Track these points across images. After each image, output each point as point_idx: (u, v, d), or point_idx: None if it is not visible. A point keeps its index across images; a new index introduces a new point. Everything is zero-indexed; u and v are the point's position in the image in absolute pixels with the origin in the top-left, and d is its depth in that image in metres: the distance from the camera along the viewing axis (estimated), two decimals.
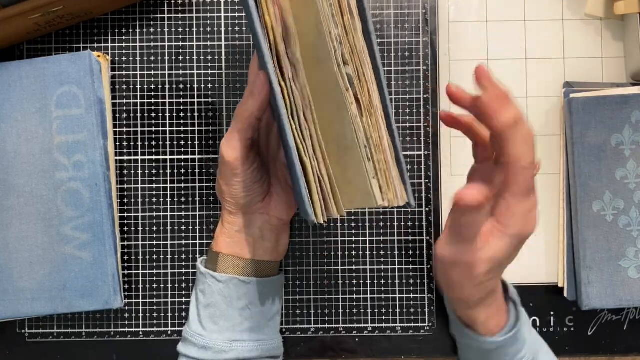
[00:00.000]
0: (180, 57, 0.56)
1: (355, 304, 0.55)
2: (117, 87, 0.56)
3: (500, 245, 0.39)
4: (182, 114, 0.56)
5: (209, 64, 0.56)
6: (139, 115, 0.56)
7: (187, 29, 0.56)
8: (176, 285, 0.55)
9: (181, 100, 0.56)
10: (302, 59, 0.39)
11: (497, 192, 0.39)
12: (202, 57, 0.56)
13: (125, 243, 0.55)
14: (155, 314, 0.55)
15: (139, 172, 0.55)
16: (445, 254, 0.40)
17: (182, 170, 0.55)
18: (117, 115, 0.55)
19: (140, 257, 0.55)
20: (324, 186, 0.39)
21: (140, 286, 0.55)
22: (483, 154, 0.44)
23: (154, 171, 0.55)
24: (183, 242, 0.55)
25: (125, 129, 0.55)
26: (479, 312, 0.44)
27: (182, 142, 0.55)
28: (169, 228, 0.55)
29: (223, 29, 0.56)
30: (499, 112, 0.37)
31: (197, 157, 0.55)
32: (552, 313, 0.55)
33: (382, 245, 0.55)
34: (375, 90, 0.41)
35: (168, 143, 0.56)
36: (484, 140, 0.43)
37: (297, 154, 0.39)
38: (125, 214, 0.55)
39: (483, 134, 0.43)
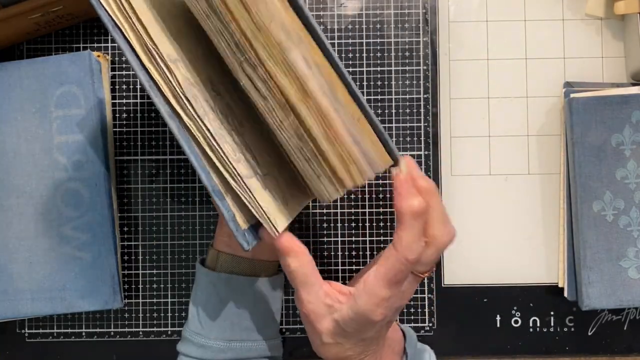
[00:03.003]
0: None
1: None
2: (117, 87, 0.55)
3: (344, 313, 0.39)
4: None
5: None
6: (139, 115, 0.56)
7: None
8: (176, 285, 0.55)
9: None
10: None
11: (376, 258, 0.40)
12: None
13: (125, 243, 0.55)
14: (155, 314, 0.55)
15: (139, 172, 0.55)
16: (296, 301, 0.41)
17: (182, 170, 0.55)
18: (117, 115, 0.55)
19: (140, 257, 0.55)
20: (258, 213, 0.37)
21: (140, 286, 0.55)
22: None
23: (154, 171, 0.55)
24: (183, 242, 0.55)
25: (125, 129, 0.55)
26: None
27: None
28: (169, 228, 0.55)
29: None
30: (405, 196, 0.37)
31: None
32: (552, 313, 0.55)
33: (382, 245, 0.55)
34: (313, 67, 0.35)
35: (168, 143, 0.55)
36: None
37: (219, 193, 0.37)
38: (125, 214, 0.55)
39: None
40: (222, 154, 0.36)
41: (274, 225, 0.38)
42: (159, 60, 0.35)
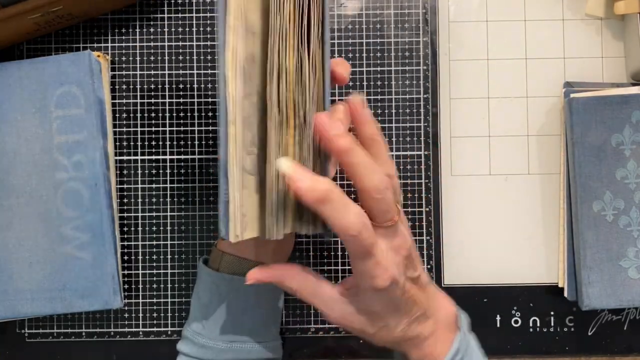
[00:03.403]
0: (180, 57, 0.56)
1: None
2: (117, 87, 0.55)
3: (359, 299, 0.39)
4: (182, 114, 0.55)
5: (209, 64, 0.56)
6: (139, 115, 0.56)
7: (187, 29, 0.56)
8: (176, 285, 0.55)
9: (181, 100, 0.56)
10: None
11: None
12: (202, 57, 0.56)
13: (125, 243, 0.55)
14: (155, 314, 0.55)
15: (139, 172, 0.55)
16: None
17: (182, 170, 0.55)
18: (117, 115, 0.55)
19: (140, 257, 0.55)
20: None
21: (140, 286, 0.55)
22: None
23: (154, 171, 0.55)
24: (183, 242, 0.55)
25: (125, 129, 0.55)
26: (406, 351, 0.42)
27: (182, 142, 0.55)
28: (168, 228, 0.55)
29: None
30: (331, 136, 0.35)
31: (197, 157, 0.55)
32: (552, 313, 0.55)
33: None
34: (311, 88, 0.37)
35: (168, 143, 0.55)
36: None
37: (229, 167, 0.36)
38: (125, 214, 0.55)
39: None
40: (241, 137, 0.36)
41: (233, 230, 0.36)
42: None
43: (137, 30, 0.56)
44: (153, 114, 0.56)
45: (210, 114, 0.55)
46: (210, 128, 0.55)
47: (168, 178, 0.55)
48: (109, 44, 0.56)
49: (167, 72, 0.56)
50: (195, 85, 0.55)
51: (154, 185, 0.55)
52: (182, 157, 0.55)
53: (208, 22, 0.55)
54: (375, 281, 0.37)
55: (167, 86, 0.55)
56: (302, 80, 0.37)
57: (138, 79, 0.55)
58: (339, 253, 0.55)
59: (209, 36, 0.56)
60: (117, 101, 0.55)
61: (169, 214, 0.55)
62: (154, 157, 0.55)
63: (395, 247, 0.38)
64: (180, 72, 0.56)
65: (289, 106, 0.37)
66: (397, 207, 0.38)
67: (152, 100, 0.55)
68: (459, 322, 0.43)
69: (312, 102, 0.37)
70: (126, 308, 0.55)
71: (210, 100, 0.56)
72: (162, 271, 0.55)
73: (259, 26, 0.37)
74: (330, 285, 0.40)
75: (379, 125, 0.41)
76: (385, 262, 0.37)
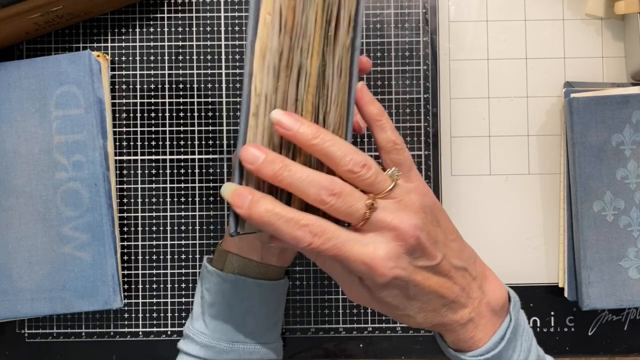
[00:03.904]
0: (180, 57, 0.55)
1: (355, 304, 0.55)
2: (116, 87, 0.55)
3: (373, 292, 0.37)
4: (182, 114, 0.55)
5: (209, 64, 0.55)
6: (138, 115, 0.55)
7: (187, 29, 0.56)
8: (176, 285, 0.55)
9: (181, 100, 0.55)
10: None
11: None
12: (202, 57, 0.55)
13: (125, 243, 0.55)
14: (155, 314, 0.55)
15: (139, 172, 0.55)
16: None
17: (182, 170, 0.55)
18: (117, 115, 0.55)
19: (140, 257, 0.55)
20: None
21: (140, 286, 0.55)
22: None
23: (153, 171, 0.55)
24: (183, 242, 0.55)
25: (125, 129, 0.55)
26: (444, 334, 0.40)
27: (182, 142, 0.55)
28: (168, 228, 0.55)
29: (223, 29, 0.55)
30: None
31: (197, 157, 0.55)
32: (552, 313, 0.55)
33: None
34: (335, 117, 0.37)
35: (168, 143, 0.55)
36: None
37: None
38: (125, 214, 0.55)
39: None
40: (261, 131, 0.36)
41: (241, 224, 0.36)
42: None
43: (137, 30, 0.56)
44: (153, 114, 0.55)
45: (210, 114, 0.55)
46: (210, 128, 0.55)
47: (168, 178, 0.55)
48: (109, 44, 0.56)
49: (167, 72, 0.55)
50: (195, 85, 0.55)
51: (154, 185, 0.55)
52: (182, 157, 0.55)
53: (208, 22, 0.55)
54: (372, 279, 0.35)
55: (167, 86, 0.55)
56: (324, 84, 0.36)
57: (138, 79, 0.55)
58: None
59: (209, 36, 0.55)
60: (117, 101, 0.55)
61: (169, 214, 0.55)
62: (154, 157, 0.55)
63: (388, 239, 0.35)
64: (180, 72, 0.55)
65: (305, 108, 0.36)
66: (366, 203, 0.35)
67: (152, 100, 0.55)
68: (510, 306, 0.41)
69: (334, 105, 0.37)
70: (126, 308, 0.55)
71: (210, 100, 0.56)
72: (162, 271, 0.55)
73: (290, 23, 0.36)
74: (349, 270, 0.38)
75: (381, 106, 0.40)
76: (372, 259, 0.34)
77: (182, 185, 0.55)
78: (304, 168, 0.34)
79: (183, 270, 0.55)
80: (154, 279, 0.55)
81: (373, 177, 0.35)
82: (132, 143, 0.55)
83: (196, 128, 0.55)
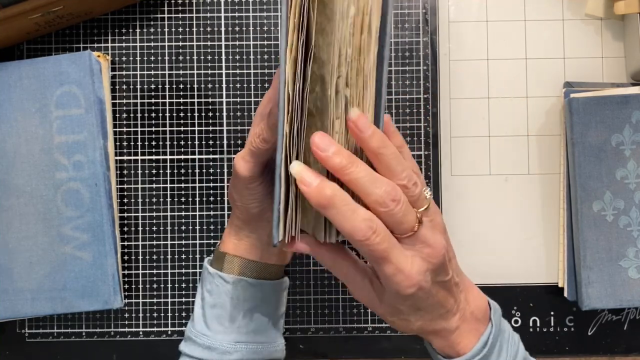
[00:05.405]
0: (180, 57, 0.56)
1: (355, 303, 0.55)
2: (117, 87, 0.55)
3: (384, 295, 0.39)
4: (182, 114, 0.56)
5: (209, 64, 0.56)
6: (139, 115, 0.56)
7: (187, 29, 0.56)
8: (176, 285, 0.55)
9: (181, 100, 0.56)
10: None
11: None
12: (202, 57, 0.56)
13: (125, 243, 0.55)
14: (155, 314, 0.55)
15: (139, 172, 0.55)
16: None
17: (182, 170, 0.55)
18: (117, 115, 0.55)
19: (140, 257, 0.55)
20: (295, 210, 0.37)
21: (140, 286, 0.55)
22: None
23: (154, 171, 0.55)
24: (183, 242, 0.55)
25: (125, 129, 0.55)
26: (431, 340, 0.42)
27: (182, 142, 0.55)
28: (169, 228, 0.55)
29: (223, 29, 0.56)
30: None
31: (197, 157, 0.55)
32: (552, 313, 0.55)
33: None
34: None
35: (168, 143, 0.56)
36: None
37: (283, 172, 0.36)
38: (125, 214, 0.55)
39: None
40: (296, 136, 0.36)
41: (293, 229, 0.37)
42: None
43: (137, 30, 0.56)
44: (153, 114, 0.56)
45: (210, 114, 0.56)
46: (210, 128, 0.55)
47: (168, 178, 0.55)
48: (109, 44, 0.56)
49: (167, 72, 0.56)
50: (196, 85, 0.56)
51: (154, 185, 0.55)
52: (182, 157, 0.55)
53: (208, 22, 0.56)
54: (398, 287, 0.37)
55: (167, 86, 0.56)
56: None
57: (138, 79, 0.56)
58: None
59: (209, 36, 0.56)
60: (117, 101, 0.55)
61: (169, 214, 0.55)
62: (154, 157, 0.55)
63: (424, 255, 0.37)
64: (180, 72, 0.56)
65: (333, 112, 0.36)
66: (417, 216, 0.37)
67: (152, 100, 0.56)
68: (491, 313, 0.43)
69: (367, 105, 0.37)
70: (126, 308, 0.55)
71: (210, 100, 0.56)
72: (162, 271, 0.55)
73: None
74: (362, 271, 0.40)
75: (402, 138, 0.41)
76: (409, 270, 0.36)
77: (182, 185, 0.55)
78: (369, 168, 0.36)
79: (183, 270, 0.55)
80: (154, 279, 0.55)
81: (417, 195, 0.37)
82: (132, 143, 0.55)
83: (196, 128, 0.55)
